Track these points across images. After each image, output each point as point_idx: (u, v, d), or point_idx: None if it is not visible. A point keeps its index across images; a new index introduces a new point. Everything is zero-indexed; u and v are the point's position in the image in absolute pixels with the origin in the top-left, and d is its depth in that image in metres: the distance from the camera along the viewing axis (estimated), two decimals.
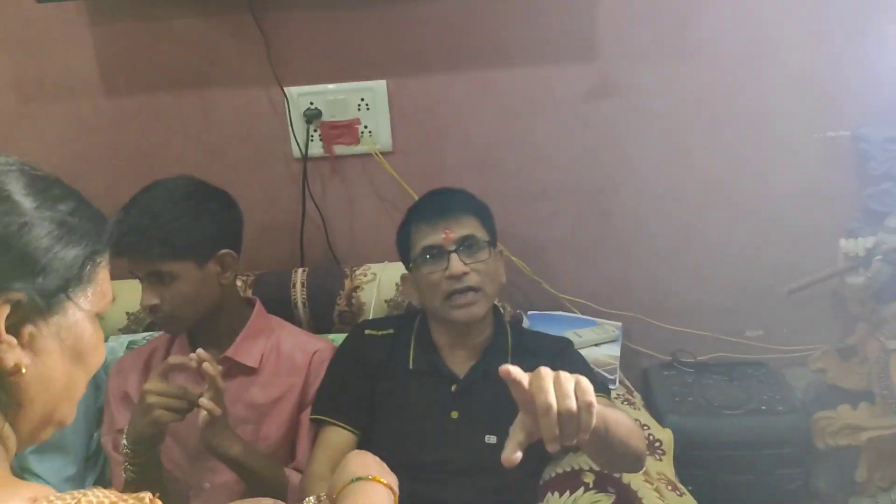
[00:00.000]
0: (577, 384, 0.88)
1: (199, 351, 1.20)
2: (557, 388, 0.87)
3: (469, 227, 1.36)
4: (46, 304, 0.64)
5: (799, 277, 1.72)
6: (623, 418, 1.12)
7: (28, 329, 0.63)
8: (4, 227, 0.63)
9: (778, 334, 1.86)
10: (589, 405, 0.87)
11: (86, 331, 0.69)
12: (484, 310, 1.35)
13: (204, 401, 1.18)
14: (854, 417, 1.76)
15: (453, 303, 1.33)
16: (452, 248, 1.33)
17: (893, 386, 1.70)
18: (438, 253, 1.34)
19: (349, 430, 1.37)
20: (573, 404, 0.86)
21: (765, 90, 1.70)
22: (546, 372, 0.89)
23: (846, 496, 1.82)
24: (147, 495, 0.62)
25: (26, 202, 0.65)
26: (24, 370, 0.63)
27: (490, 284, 1.35)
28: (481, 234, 1.36)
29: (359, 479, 0.90)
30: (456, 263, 1.32)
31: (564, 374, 0.89)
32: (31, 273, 0.64)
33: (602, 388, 1.35)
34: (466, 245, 1.34)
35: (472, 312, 1.33)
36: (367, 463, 0.94)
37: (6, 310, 0.61)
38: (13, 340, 0.62)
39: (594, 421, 0.88)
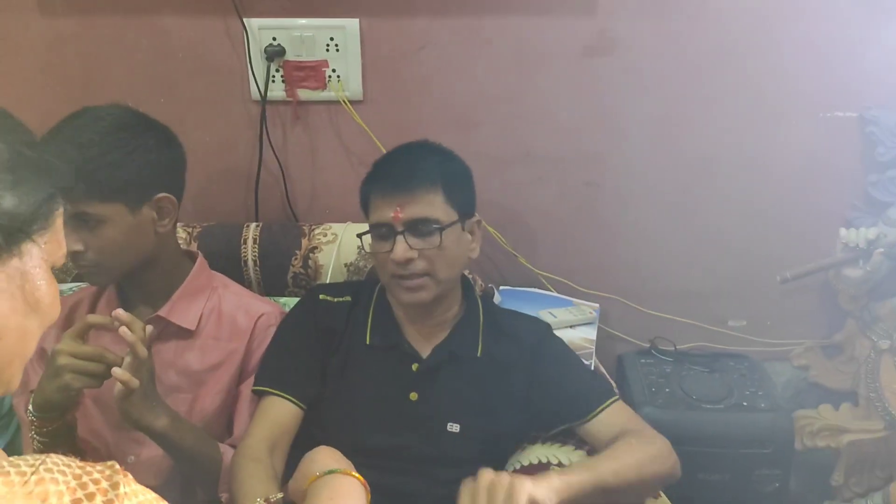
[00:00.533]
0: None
1: (118, 311, 1.04)
2: None
3: (427, 205, 1.18)
4: (5, 242, 0.59)
5: (793, 266, 1.61)
6: (628, 458, 1.12)
7: None
8: None
9: (762, 326, 1.78)
10: None
11: (43, 280, 0.63)
12: (432, 295, 1.21)
13: (118, 370, 1.03)
14: (835, 418, 1.71)
15: (399, 283, 1.20)
16: (401, 229, 1.18)
17: (881, 388, 1.63)
18: (387, 232, 1.19)
19: (294, 403, 1.23)
20: None
21: (770, 61, 1.57)
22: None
23: (819, 499, 1.76)
24: (114, 463, 0.58)
25: None
26: None
27: (443, 269, 1.20)
28: (442, 212, 1.19)
29: (333, 471, 0.90)
30: (400, 247, 1.17)
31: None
32: None
33: (604, 393, 1.25)
34: (418, 228, 1.18)
35: (418, 297, 1.20)
36: (338, 458, 0.94)
37: None
38: None
39: None
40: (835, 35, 1.55)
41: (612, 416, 1.22)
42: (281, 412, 1.22)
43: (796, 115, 1.61)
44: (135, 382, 1.04)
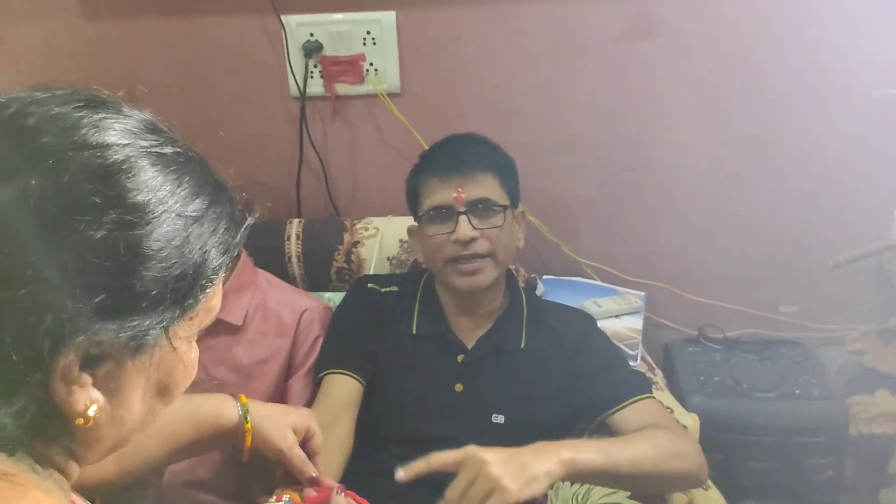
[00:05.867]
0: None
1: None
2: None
3: (486, 187, 1.20)
4: (137, 344, 0.50)
5: (846, 250, 1.56)
6: (648, 449, 1.06)
7: (107, 367, 0.50)
8: (111, 245, 0.47)
9: (814, 311, 1.72)
10: None
11: (179, 363, 0.56)
12: (491, 279, 1.21)
13: None
14: (892, 405, 1.65)
15: (457, 268, 1.20)
16: (463, 209, 1.19)
17: None
18: (447, 213, 1.20)
19: (352, 377, 1.24)
20: None
21: (817, 38, 1.51)
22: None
23: (875, 487, 1.71)
24: None
25: (154, 202, 0.49)
26: (93, 413, 0.49)
27: (502, 252, 1.21)
28: (499, 195, 1.21)
29: None
30: (464, 227, 1.18)
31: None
32: (129, 311, 0.49)
33: (638, 388, 1.22)
34: (480, 208, 1.19)
35: (477, 281, 1.20)
36: None
37: (81, 352, 0.47)
38: (86, 379, 0.49)
39: None
40: (884, 9, 1.49)
41: (642, 411, 1.18)
42: (339, 387, 1.23)
43: (846, 93, 1.55)
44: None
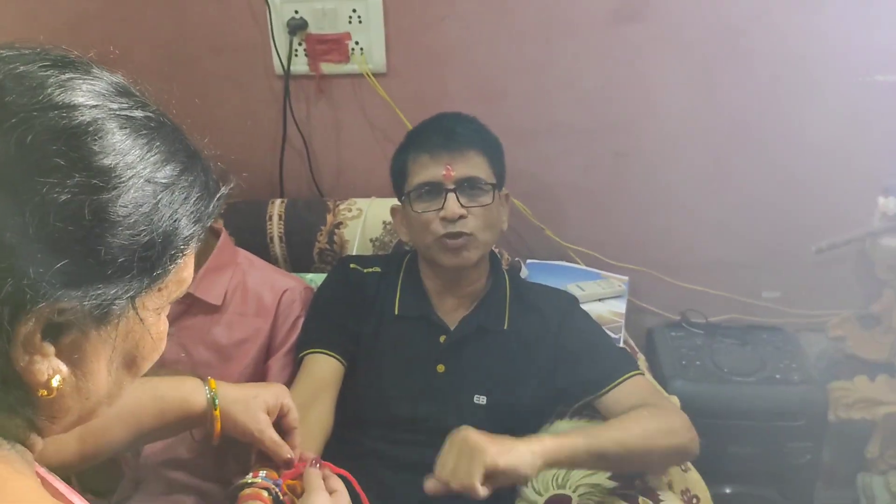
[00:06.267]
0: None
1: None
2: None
3: (475, 165, 1.20)
4: (102, 313, 0.49)
5: (829, 236, 1.56)
6: (635, 427, 1.08)
7: (71, 336, 0.48)
8: (75, 209, 0.45)
9: (797, 297, 1.72)
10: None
11: (146, 335, 0.54)
12: (476, 256, 1.21)
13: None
14: (871, 390, 1.67)
15: (443, 243, 1.19)
16: (452, 186, 1.18)
17: None
18: (435, 190, 1.19)
19: (333, 357, 1.23)
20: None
21: (807, 23, 1.50)
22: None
23: (853, 471, 1.73)
24: None
25: (121, 166, 0.48)
26: (56, 384, 0.47)
27: (487, 231, 1.21)
28: (487, 174, 1.21)
29: None
30: (453, 205, 1.17)
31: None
32: (93, 279, 0.47)
33: (625, 366, 1.22)
34: (468, 186, 1.19)
35: (463, 258, 1.20)
36: None
37: (43, 320, 0.45)
38: (49, 349, 0.48)
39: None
40: None
41: (631, 390, 1.18)
42: (320, 366, 1.22)
43: (835, 79, 1.54)
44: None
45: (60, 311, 0.46)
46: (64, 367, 0.49)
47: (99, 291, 0.47)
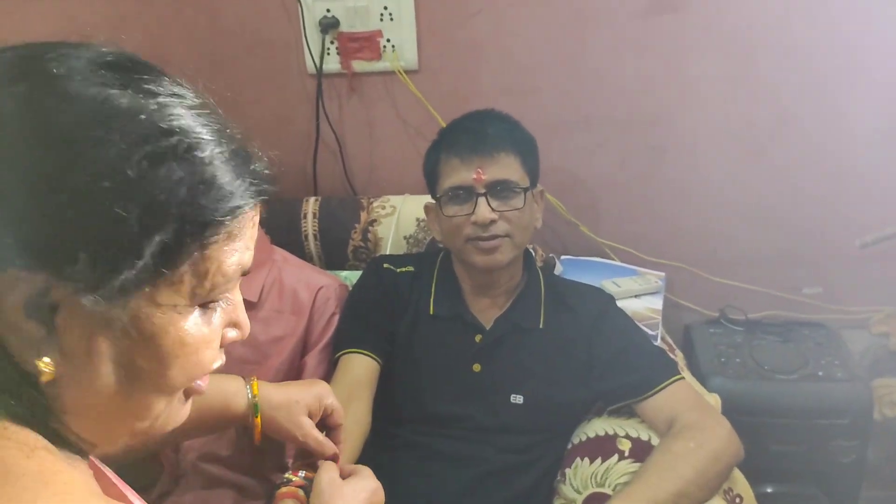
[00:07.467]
0: None
1: None
2: None
3: (507, 168, 1.18)
4: (97, 298, 0.44)
5: (873, 230, 1.52)
6: (688, 470, 1.03)
7: (61, 316, 0.45)
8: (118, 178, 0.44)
9: (839, 293, 1.68)
10: None
11: (162, 335, 0.48)
12: (509, 257, 1.20)
13: None
14: None
15: (476, 246, 1.18)
16: (482, 191, 1.17)
17: None
18: (466, 194, 1.18)
19: (369, 356, 1.23)
20: None
21: (849, 8, 1.46)
22: None
23: None
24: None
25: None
26: (46, 368, 0.45)
27: (520, 233, 1.19)
28: (519, 176, 1.19)
29: None
30: (483, 209, 1.16)
31: None
32: (89, 256, 0.44)
33: (665, 371, 1.19)
34: (500, 189, 1.17)
35: (495, 259, 1.18)
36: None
37: (21, 296, 0.43)
38: (38, 330, 0.45)
39: None
40: None
41: (672, 397, 1.16)
42: (356, 366, 1.22)
43: (878, 67, 1.49)
44: None
45: (44, 291, 0.44)
46: (52, 353, 0.46)
47: (90, 270, 0.43)
